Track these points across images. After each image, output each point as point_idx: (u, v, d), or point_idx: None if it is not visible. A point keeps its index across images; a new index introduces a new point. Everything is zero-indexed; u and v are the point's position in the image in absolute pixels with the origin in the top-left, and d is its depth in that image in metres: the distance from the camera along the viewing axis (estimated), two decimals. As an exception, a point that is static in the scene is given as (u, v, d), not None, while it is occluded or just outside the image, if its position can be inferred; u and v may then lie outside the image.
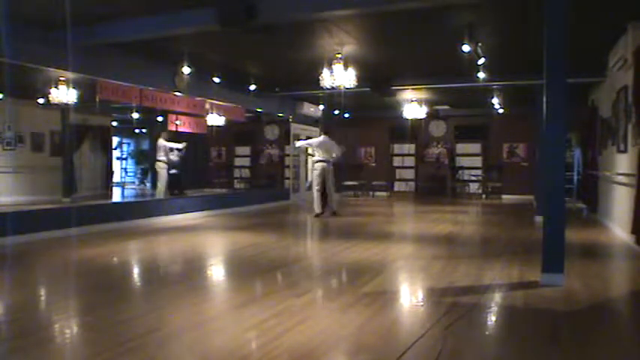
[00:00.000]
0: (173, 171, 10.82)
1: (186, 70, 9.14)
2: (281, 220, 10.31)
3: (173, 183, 10.79)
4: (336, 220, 9.30)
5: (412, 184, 17.03)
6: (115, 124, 11.35)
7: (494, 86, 10.98)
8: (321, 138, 10.14)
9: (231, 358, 2.86)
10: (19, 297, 4.19)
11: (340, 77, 8.04)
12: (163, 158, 10.48)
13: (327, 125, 11.14)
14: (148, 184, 13.20)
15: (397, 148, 17.13)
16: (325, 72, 8.06)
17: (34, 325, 3.41)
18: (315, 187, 9.91)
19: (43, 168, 9.60)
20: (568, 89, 4.63)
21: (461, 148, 16.40)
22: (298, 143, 11.00)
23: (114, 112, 10.54)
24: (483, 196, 15.77)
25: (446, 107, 15.39)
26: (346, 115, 15.89)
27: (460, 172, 16.32)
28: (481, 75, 8.86)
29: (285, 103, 13.50)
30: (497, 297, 4.24)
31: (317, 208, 9.86)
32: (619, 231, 7.55)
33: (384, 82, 10.72)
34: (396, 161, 17.18)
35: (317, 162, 9.97)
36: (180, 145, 10.79)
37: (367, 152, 17.63)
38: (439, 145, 16.58)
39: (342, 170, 15.44)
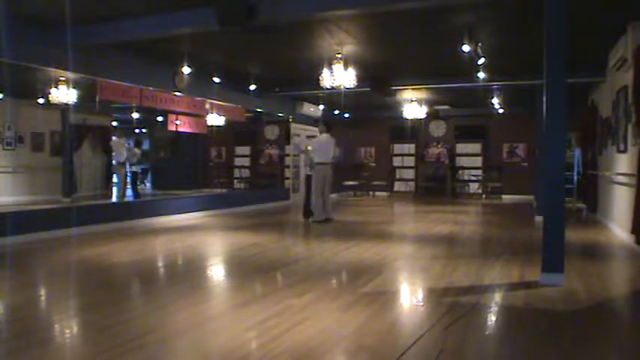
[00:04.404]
0: (133, 168, 10.96)
1: (186, 70, 9.14)
2: (281, 220, 10.31)
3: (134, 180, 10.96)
4: (337, 220, 9.28)
5: (412, 184, 17.03)
6: (115, 124, 11.34)
7: (494, 86, 10.98)
8: (323, 137, 9.39)
9: (231, 357, 2.86)
10: (20, 297, 4.19)
11: (340, 77, 8.03)
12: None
13: (328, 123, 9.88)
14: (148, 184, 13.21)
15: (397, 148, 17.13)
16: (325, 72, 8.07)
17: (34, 325, 3.41)
18: (317, 192, 9.20)
19: (43, 168, 9.58)
20: (568, 89, 4.64)
21: (461, 148, 16.40)
22: (297, 140, 10.45)
23: (114, 112, 10.54)
24: (483, 196, 15.77)
25: (446, 107, 15.39)
26: (346, 115, 15.88)
27: (460, 172, 16.33)
28: (481, 75, 8.87)
29: (285, 103, 13.50)
30: (497, 297, 4.25)
31: (318, 215, 9.17)
32: (619, 231, 7.55)
33: (384, 82, 10.70)
34: (396, 161, 17.18)
35: (317, 164, 9.25)
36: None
37: (367, 152, 17.64)
38: (439, 145, 16.58)
39: (341, 170, 15.44)
